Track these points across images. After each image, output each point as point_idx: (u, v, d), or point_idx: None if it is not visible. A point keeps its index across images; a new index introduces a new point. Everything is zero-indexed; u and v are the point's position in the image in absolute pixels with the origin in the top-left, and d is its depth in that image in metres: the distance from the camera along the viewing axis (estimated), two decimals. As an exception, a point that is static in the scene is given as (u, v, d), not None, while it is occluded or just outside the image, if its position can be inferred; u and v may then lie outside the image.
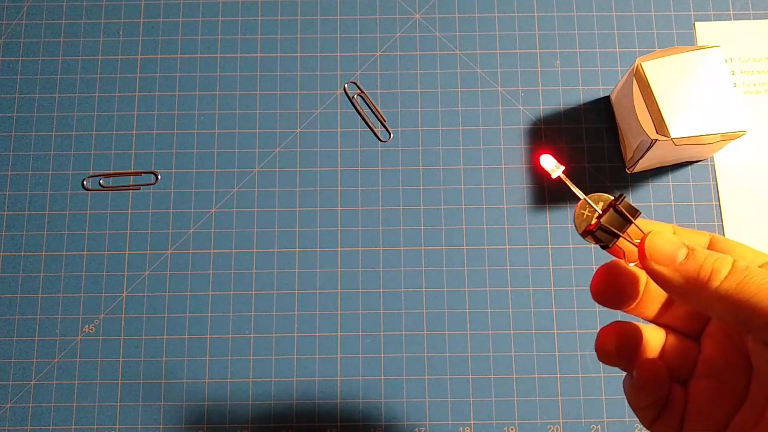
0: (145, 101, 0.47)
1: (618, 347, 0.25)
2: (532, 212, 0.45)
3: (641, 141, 0.41)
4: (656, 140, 0.39)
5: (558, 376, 0.43)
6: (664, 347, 0.25)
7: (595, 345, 0.25)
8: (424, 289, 0.44)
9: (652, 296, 0.26)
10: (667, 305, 0.26)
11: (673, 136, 0.39)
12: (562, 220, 0.45)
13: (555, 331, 0.44)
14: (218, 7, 0.49)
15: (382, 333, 0.44)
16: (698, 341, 0.25)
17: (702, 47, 0.40)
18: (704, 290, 0.21)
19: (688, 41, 0.48)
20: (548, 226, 0.45)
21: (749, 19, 0.48)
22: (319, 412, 0.43)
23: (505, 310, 0.44)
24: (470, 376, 0.43)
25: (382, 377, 0.43)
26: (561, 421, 0.43)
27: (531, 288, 0.44)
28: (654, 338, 0.25)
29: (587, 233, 0.25)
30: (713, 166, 0.46)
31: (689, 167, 0.46)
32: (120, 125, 0.47)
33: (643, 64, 0.40)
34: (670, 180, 0.46)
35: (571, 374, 0.43)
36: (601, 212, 0.24)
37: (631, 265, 0.24)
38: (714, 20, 0.48)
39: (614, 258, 0.25)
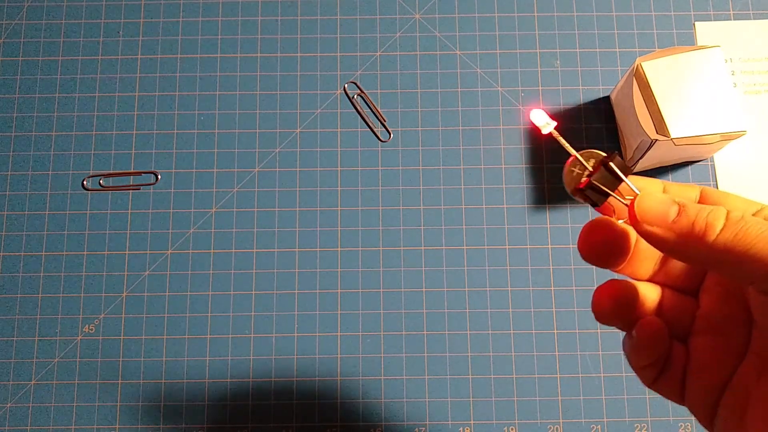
0: (145, 101, 0.47)
1: (615, 305, 0.24)
2: (532, 212, 0.45)
3: (641, 141, 0.41)
4: (656, 140, 0.39)
5: (558, 376, 0.43)
6: (661, 304, 0.25)
7: (592, 305, 0.24)
8: (424, 289, 0.44)
9: (645, 255, 0.25)
10: (661, 263, 0.25)
11: (673, 136, 0.39)
12: (562, 220, 0.45)
13: (555, 331, 0.44)
14: (218, 7, 0.49)
15: (382, 333, 0.44)
16: (696, 297, 0.25)
17: (702, 47, 0.40)
18: (700, 246, 0.20)
19: (688, 41, 0.48)
20: (548, 226, 0.45)
21: (749, 19, 0.48)
22: (319, 412, 0.43)
23: (505, 310, 0.44)
24: (470, 376, 0.43)
25: (382, 377, 0.43)
26: (561, 421, 0.43)
27: (531, 288, 0.44)
28: (650, 295, 0.25)
29: (577, 191, 0.24)
30: (713, 166, 0.46)
31: (689, 167, 0.46)
32: (120, 125, 0.47)
33: (643, 64, 0.40)
34: (670, 180, 0.46)
35: (571, 374, 0.43)
36: (591, 170, 0.24)
37: (621, 221, 0.24)
38: (714, 20, 0.48)
39: (602, 215, 0.24)
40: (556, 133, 0.24)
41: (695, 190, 0.24)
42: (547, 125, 0.25)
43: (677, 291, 0.25)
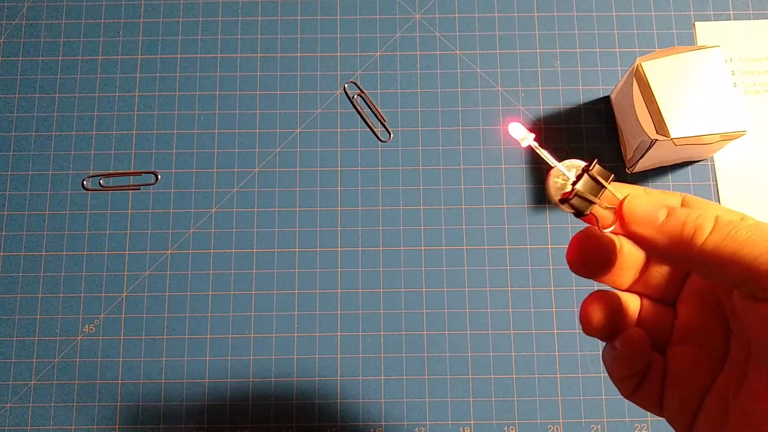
0: (145, 101, 0.47)
1: (605, 317, 0.24)
2: (532, 212, 0.45)
3: (641, 141, 0.41)
4: (656, 140, 0.39)
5: (558, 376, 0.43)
6: (639, 315, 0.25)
7: (581, 318, 0.24)
8: (424, 289, 0.44)
9: (627, 263, 0.25)
10: (641, 273, 0.25)
11: (673, 136, 0.39)
12: (562, 220, 0.45)
13: (555, 331, 0.44)
14: (218, 7, 0.49)
15: (382, 333, 0.44)
16: (673, 307, 0.25)
17: (702, 47, 0.40)
18: (689, 248, 0.20)
19: (688, 41, 0.48)
20: (548, 226, 0.45)
21: (749, 19, 0.48)
22: (319, 412, 0.43)
23: (505, 310, 0.44)
24: (470, 376, 0.43)
25: (382, 377, 0.43)
26: (561, 421, 0.43)
27: (531, 288, 0.44)
28: (630, 306, 0.25)
29: (563, 201, 0.24)
30: (713, 166, 0.46)
31: (689, 167, 0.46)
32: (120, 125, 0.47)
33: (643, 64, 0.40)
34: (670, 180, 0.46)
35: (571, 374, 0.43)
36: (574, 179, 0.23)
37: (606, 231, 0.24)
38: (714, 20, 0.48)
39: (588, 225, 0.24)
40: (535, 145, 0.24)
41: (677, 197, 0.24)
42: (525, 139, 0.25)
43: (655, 301, 0.25)
